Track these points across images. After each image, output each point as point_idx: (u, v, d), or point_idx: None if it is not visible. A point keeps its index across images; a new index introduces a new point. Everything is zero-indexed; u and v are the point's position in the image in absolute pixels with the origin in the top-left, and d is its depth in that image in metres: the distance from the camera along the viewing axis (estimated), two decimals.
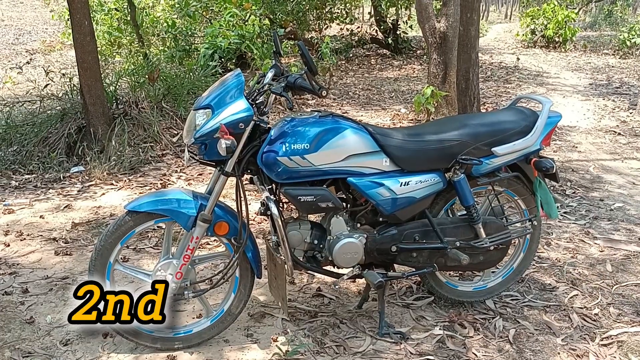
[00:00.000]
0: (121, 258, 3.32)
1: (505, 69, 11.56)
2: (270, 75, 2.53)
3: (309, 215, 2.77)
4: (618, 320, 2.94)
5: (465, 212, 2.80)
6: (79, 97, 5.68)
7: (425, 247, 2.74)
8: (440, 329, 2.85)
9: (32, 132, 5.67)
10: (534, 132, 2.72)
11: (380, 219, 2.73)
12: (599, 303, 3.10)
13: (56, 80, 6.52)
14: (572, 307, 3.06)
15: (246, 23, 9.07)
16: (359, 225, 2.74)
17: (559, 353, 2.69)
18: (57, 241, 3.79)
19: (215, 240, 3.70)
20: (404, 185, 2.62)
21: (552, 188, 4.82)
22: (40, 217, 4.21)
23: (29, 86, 7.12)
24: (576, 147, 6.18)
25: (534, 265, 3.49)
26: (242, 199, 2.50)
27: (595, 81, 10.45)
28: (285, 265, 2.55)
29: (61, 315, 2.92)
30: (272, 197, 2.51)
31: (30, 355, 2.61)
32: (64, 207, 4.40)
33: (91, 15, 5.60)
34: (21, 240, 3.80)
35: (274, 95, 2.44)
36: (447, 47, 6.91)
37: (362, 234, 2.68)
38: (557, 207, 2.87)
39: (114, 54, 11.41)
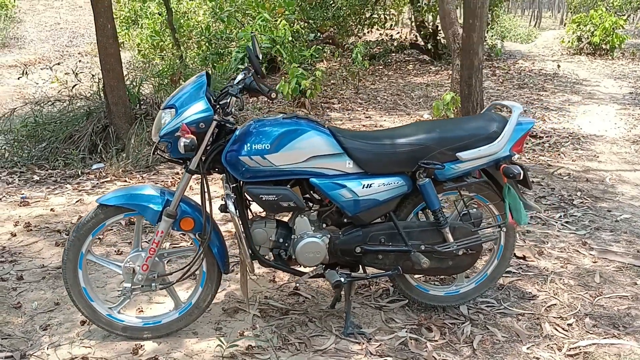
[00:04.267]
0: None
1: (543, 76, 11.30)
2: (239, 77, 2.62)
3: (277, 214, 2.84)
4: (590, 332, 2.89)
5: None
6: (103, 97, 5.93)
7: (390, 250, 2.77)
8: (406, 331, 2.87)
9: (60, 129, 5.96)
10: (501, 138, 2.71)
11: (346, 220, 2.78)
12: (577, 313, 3.05)
13: (89, 81, 6.81)
14: (547, 316, 3.02)
15: (277, 28, 9.21)
16: (324, 225, 2.80)
17: None
18: (60, 233, 3.99)
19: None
20: (367, 187, 2.66)
21: (550, 195, 4.75)
22: (51, 210, 4.42)
23: (64, 87, 7.44)
24: (597, 157, 6.02)
25: (518, 273, 3.46)
26: (206, 195, 2.60)
27: (636, 90, 10.10)
28: (246, 262, 2.63)
29: (47, 302, 3.10)
30: (232, 195, 2.59)
31: (9, 337, 2.78)
32: (76, 202, 4.61)
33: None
34: (28, 231, 4.02)
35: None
36: None
37: (326, 234, 2.73)
38: (527, 214, 2.83)
39: (156, 56, 11.80)
